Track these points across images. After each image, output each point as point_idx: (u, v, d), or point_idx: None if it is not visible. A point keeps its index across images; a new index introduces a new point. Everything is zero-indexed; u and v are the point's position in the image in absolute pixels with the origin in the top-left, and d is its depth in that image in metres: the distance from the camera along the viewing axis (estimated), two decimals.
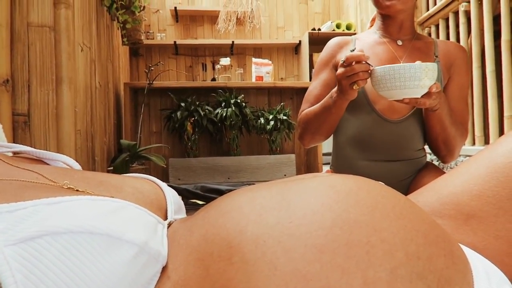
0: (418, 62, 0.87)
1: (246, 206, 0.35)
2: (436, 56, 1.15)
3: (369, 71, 0.93)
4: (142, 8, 2.36)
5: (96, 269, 0.28)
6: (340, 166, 1.24)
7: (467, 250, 0.39)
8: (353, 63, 0.92)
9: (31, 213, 0.29)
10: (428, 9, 2.75)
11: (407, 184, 1.19)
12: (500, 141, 0.47)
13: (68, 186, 0.39)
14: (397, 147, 1.15)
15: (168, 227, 0.41)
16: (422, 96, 0.91)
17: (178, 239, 0.36)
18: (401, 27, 1.17)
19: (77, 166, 0.53)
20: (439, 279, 0.30)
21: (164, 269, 0.34)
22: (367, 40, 1.21)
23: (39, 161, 0.51)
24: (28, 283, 0.25)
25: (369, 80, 1.14)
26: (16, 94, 1.30)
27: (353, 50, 1.21)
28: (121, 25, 2.33)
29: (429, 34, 2.70)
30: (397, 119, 1.13)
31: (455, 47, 1.18)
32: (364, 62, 0.92)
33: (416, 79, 0.86)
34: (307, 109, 1.20)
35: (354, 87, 0.95)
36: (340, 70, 0.95)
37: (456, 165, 2.33)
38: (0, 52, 1.18)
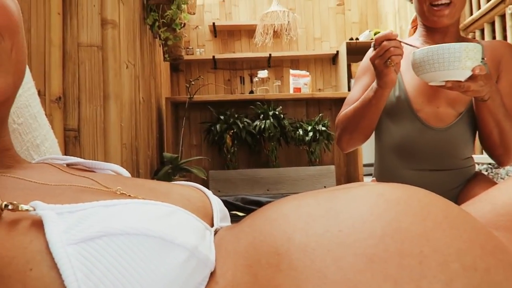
0: (459, 43, 0.84)
1: (293, 214, 0.35)
2: (483, 58, 1.11)
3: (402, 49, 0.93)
4: (182, 25, 2.43)
5: (150, 271, 0.29)
6: (384, 176, 1.21)
7: None
8: (384, 42, 0.92)
9: (89, 214, 0.31)
10: (472, 14, 2.66)
11: (455, 195, 1.14)
12: None
13: (121, 191, 0.40)
14: (443, 156, 1.11)
15: (214, 234, 0.41)
16: (466, 80, 0.87)
17: (226, 246, 0.36)
18: (445, 35, 1.14)
19: (126, 174, 0.55)
20: None
21: (212, 274, 0.34)
22: (409, 47, 1.18)
23: (91, 171, 0.53)
24: (88, 282, 0.26)
25: (410, 85, 1.12)
26: (67, 110, 1.37)
27: None
28: (163, 42, 2.41)
29: (474, 38, 2.60)
30: (442, 127, 1.09)
31: (500, 45, 1.13)
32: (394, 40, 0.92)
33: (457, 59, 0.82)
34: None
35: (388, 64, 0.93)
36: (373, 53, 0.96)
37: (509, 175, 2.20)
38: (53, 71, 1.25)
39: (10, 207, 0.29)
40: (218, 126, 3.02)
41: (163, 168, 2.20)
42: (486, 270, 0.29)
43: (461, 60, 0.82)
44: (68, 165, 0.51)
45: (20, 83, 0.41)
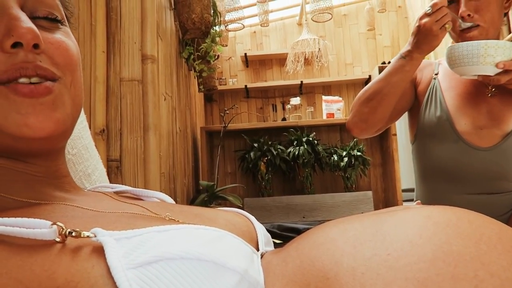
0: (488, 40, 0.90)
1: (340, 238, 0.35)
2: None
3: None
4: (216, 57, 2.52)
5: None
6: (427, 201, 1.17)
7: None
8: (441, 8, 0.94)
9: (145, 240, 0.32)
10: (510, 32, 2.60)
11: (505, 220, 1.08)
12: None
13: (170, 217, 0.42)
14: (491, 178, 1.06)
15: (260, 257, 0.42)
16: (496, 74, 0.91)
17: (274, 269, 0.37)
18: None
19: (171, 201, 0.57)
20: None
21: None
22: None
23: (138, 198, 0.55)
24: None
25: (452, 104, 1.10)
26: (110, 142, 1.43)
27: (437, 74, 1.18)
28: (198, 74, 2.50)
29: None
30: (487, 147, 1.05)
31: None
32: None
33: (485, 55, 0.89)
34: None
35: (447, 28, 0.95)
36: (427, 18, 0.96)
37: None
38: (98, 105, 1.32)
39: (74, 234, 0.31)
40: (252, 154, 3.04)
41: (199, 196, 2.23)
42: None
43: (489, 55, 0.89)
44: (117, 193, 0.54)
45: (77, 116, 0.44)
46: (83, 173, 0.57)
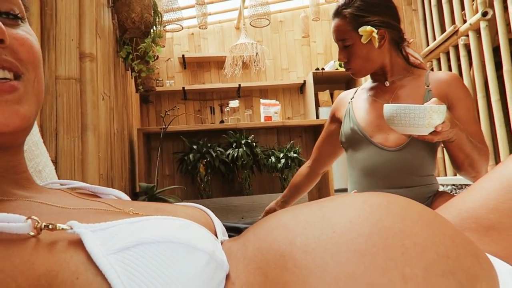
0: (425, 105, 0.94)
1: (292, 222, 0.39)
2: (427, 86, 1.22)
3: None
4: (156, 58, 2.48)
5: (181, 272, 0.32)
6: None
7: (490, 257, 0.43)
8: None
9: (119, 230, 0.34)
10: (428, 44, 2.87)
11: None
12: (510, 159, 0.52)
13: (134, 212, 0.44)
14: (401, 174, 1.19)
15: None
16: (430, 133, 0.97)
17: (235, 253, 0.41)
18: (385, 72, 1.27)
19: (127, 198, 0.58)
20: (467, 275, 0.34)
21: (227, 277, 0.38)
22: (365, 85, 1.37)
23: (94, 195, 0.55)
24: (132, 284, 0.29)
25: (360, 117, 1.27)
26: (45, 142, 1.36)
27: (352, 98, 1.36)
28: (137, 74, 2.45)
29: (432, 68, 2.79)
30: (396, 147, 1.19)
31: (445, 75, 1.23)
32: None
33: (421, 119, 0.92)
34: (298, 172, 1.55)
35: None
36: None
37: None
38: None
39: (50, 227, 0.32)
40: (191, 156, 3.04)
41: (138, 199, 2.18)
42: (456, 258, 0.35)
43: (425, 119, 0.92)
44: (73, 189, 0.54)
45: (38, 112, 0.44)
46: (34, 169, 0.56)
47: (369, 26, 1.17)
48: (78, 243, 0.32)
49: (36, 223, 0.32)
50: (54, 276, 0.29)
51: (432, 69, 2.69)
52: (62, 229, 0.32)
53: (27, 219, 0.32)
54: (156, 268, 0.31)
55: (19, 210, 0.37)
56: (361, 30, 1.18)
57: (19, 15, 0.43)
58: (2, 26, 0.37)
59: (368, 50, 1.22)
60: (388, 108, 0.98)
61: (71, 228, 0.33)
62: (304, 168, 1.56)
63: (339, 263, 0.33)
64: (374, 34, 1.17)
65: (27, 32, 0.43)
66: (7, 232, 0.31)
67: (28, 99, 0.40)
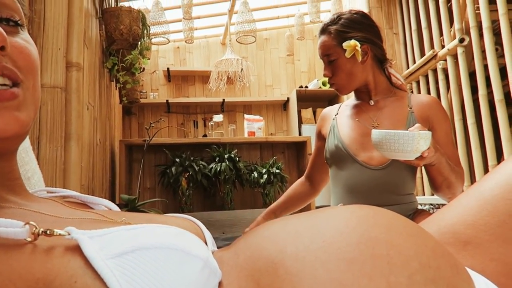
0: (412, 131, 0.97)
1: (282, 232, 0.41)
2: (410, 108, 1.26)
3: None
4: (142, 70, 2.49)
5: (178, 278, 0.33)
6: None
7: (467, 270, 0.45)
8: None
9: (116, 236, 0.35)
10: (408, 67, 2.96)
11: None
12: (486, 178, 0.55)
13: (126, 222, 0.44)
14: (383, 192, 1.22)
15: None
16: (416, 158, 1.00)
17: (227, 262, 0.42)
18: (369, 90, 1.31)
19: (117, 209, 0.58)
20: (448, 285, 0.36)
21: (219, 284, 0.39)
22: (348, 102, 1.40)
23: (84, 204, 0.56)
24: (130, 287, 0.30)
25: (345, 135, 1.29)
26: None
27: (337, 114, 1.38)
28: (122, 85, 2.44)
29: (411, 90, 2.88)
30: (378, 166, 1.22)
31: (427, 99, 1.27)
32: None
33: (409, 145, 0.95)
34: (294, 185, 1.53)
35: None
36: None
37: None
38: None
39: (48, 232, 0.33)
40: (173, 169, 3.02)
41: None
42: (437, 268, 0.37)
43: (413, 145, 0.95)
44: (63, 197, 0.54)
45: (35, 119, 0.45)
46: (23, 176, 0.55)
47: (352, 40, 1.21)
48: (75, 249, 0.32)
49: (34, 229, 0.32)
50: (52, 279, 0.29)
51: (419, 90, 2.77)
52: (60, 234, 0.33)
53: (24, 224, 0.32)
54: (154, 273, 0.32)
55: (14, 218, 0.38)
56: (345, 44, 1.22)
57: (19, 21, 0.44)
58: (4, 33, 0.38)
59: (352, 65, 1.25)
60: (377, 133, 1.00)
61: (69, 234, 0.33)
62: (299, 183, 1.54)
63: (329, 270, 0.34)
64: (358, 48, 1.21)
65: (26, 41, 0.44)
66: (4, 237, 0.31)
67: (27, 106, 0.41)
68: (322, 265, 0.35)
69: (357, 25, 1.26)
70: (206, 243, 0.52)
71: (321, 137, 1.45)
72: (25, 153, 0.58)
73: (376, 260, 0.35)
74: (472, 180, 2.37)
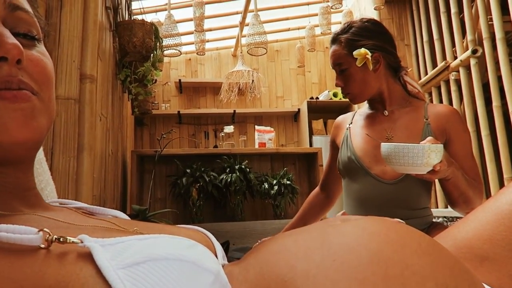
0: (422, 144, 0.93)
1: (293, 247, 0.40)
2: (426, 119, 1.21)
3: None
4: (154, 81, 2.51)
5: None
6: None
7: (485, 287, 0.44)
8: None
9: (128, 246, 0.35)
10: (420, 78, 2.94)
11: None
12: (503, 192, 0.54)
13: (138, 231, 0.44)
14: (396, 207, 1.18)
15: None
16: (428, 172, 0.96)
17: (237, 276, 0.41)
18: (383, 99, 1.27)
19: (128, 218, 0.58)
20: None
21: None
22: (362, 111, 1.36)
23: (92, 215, 0.56)
24: None
25: (358, 147, 1.26)
26: None
27: (351, 124, 1.34)
28: (134, 96, 2.47)
29: (431, 100, 2.85)
30: (392, 181, 1.18)
31: (444, 109, 1.22)
32: None
33: (419, 159, 0.91)
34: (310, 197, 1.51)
35: None
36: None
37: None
38: None
39: (61, 239, 0.33)
40: (184, 180, 3.03)
41: None
42: (455, 287, 0.35)
43: (424, 158, 0.92)
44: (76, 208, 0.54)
45: (49, 129, 0.45)
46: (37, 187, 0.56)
47: (363, 49, 1.19)
48: (87, 257, 0.32)
49: (48, 236, 0.32)
50: (64, 287, 0.29)
51: (431, 101, 2.74)
52: (73, 242, 0.33)
53: (38, 231, 0.32)
54: (165, 285, 0.32)
55: (28, 224, 0.38)
56: (355, 53, 1.19)
57: (36, 36, 0.44)
58: (20, 46, 0.39)
59: (363, 74, 1.22)
60: (386, 147, 0.97)
61: (82, 242, 0.33)
62: (314, 195, 1.51)
63: None
64: (368, 56, 1.18)
65: (42, 53, 0.45)
66: (18, 243, 0.31)
67: (42, 114, 0.42)
68: (333, 284, 0.34)
69: (368, 33, 1.24)
70: (216, 256, 0.51)
71: (335, 146, 1.42)
72: (39, 164, 0.58)
73: (390, 280, 0.33)
74: (487, 192, 2.32)
